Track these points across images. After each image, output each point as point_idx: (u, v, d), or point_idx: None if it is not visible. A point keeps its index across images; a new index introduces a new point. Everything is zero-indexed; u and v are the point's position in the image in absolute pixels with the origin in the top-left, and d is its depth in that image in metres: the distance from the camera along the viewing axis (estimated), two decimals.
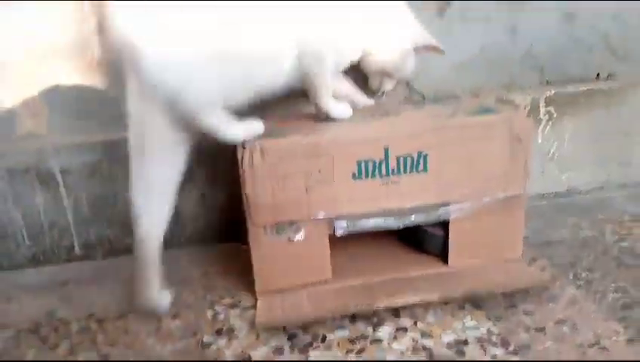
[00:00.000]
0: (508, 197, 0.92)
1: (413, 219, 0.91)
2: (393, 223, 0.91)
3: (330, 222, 0.89)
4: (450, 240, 0.94)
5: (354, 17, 0.94)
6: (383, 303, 0.85)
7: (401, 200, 0.89)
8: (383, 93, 1.06)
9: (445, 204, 0.91)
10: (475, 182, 0.91)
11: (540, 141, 1.27)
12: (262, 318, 0.84)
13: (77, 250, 1.18)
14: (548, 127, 1.27)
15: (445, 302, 0.86)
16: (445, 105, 1.03)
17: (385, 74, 1.02)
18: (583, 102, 1.26)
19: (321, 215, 0.88)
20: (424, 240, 1.00)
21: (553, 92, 1.24)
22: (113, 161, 1.13)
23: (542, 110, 1.25)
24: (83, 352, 0.82)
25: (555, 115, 1.26)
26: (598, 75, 1.29)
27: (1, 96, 1.11)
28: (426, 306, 0.86)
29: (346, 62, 0.98)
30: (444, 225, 0.94)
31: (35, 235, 1.15)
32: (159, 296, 0.89)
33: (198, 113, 0.81)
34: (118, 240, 1.16)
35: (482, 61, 1.23)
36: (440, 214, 0.92)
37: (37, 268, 1.15)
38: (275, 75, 0.88)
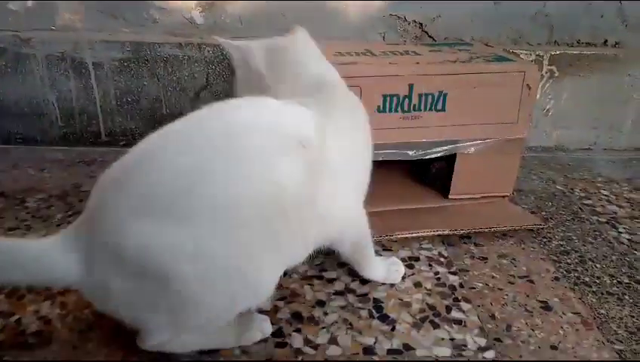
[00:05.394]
0: (511, 140, 1.02)
1: (428, 153, 1.00)
2: (409, 155, 1.00)
3: None
4: (454, 174, 1.04)
5: None
6: (401, 234, 0.95)
7: (419, 135, 0.99)
8: None
9: (457, 141, 1.00)
10: (487, 123, 1.00)
11: (537, 97, 1.35)
12: None
13: (103, 136, 1.33)
14: (548, 84, 1.34)
15: None
16: (460, 50, 1.10)
17: None
18: (586, 66, 1.32)
19: None
20: (428, 173, 1.11)
21: (558, 52, 1.30)
22: (141, 61, 1.25)
23: (544, 67, 1.31)
24: None
25: (556, 74, 1.32)
26: (605, 41, 1.33)
27: None
28: None
29: None
30: (448, 161, 1.04)
31: (66, 118, 1.30)
32: None
33: None
34: (139, 132, 1.29)
35: (495, 14, 1.28)
36: (450, 150, 1.01)
37: (67, 147, 1.32)
38: None
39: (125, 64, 1.25)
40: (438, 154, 1.01)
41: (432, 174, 1.11)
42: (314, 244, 0.72)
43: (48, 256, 0.59)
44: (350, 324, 0.75)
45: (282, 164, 0.63)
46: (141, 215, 0.57)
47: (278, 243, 0.64)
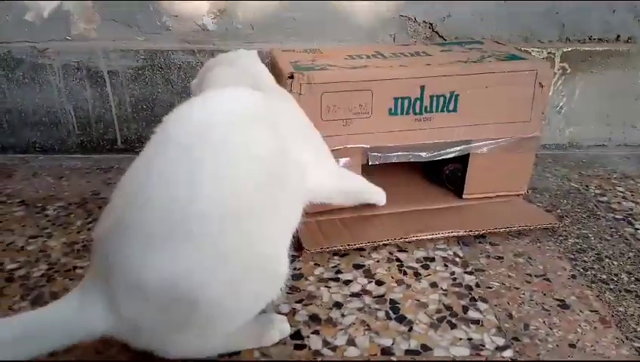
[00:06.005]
0: (525, 138, 1.02)
1: (440, 154, 1.01)
2: (422, 157, 1.00)
3: (365, 152, 0.98)
4: (467, 174, 1.04)
5: None
6: (416, 236, 0.95)
7: (431, 137, 0.99)
8: None
9: (470, 142, 1.01)
10: (499, 122, 1.00)
11: (550, 94, 1.34)
12: (310, 246, 0.91)
13: (119, 143, 1.35)
14: (560, 81, 1.33)
15: None
16: (471, 49, 1.10)
17: None
18: (599, 62, 1.31)
19: (357, 145, 0.96)
20: (442, 174, 1.11)
21: (570, 49, 1.30)
22: (155, 68, 1.27)
23: (556, 65, 1.31)
24: None
25: (568, 71, 1.32)
26: (618, 36, 1.32)
27: None
28: None
29: None
30: (462, 161, 1.04)
31: (83, 126, 1.33)
32: None
33: None
34: None
35: (505, 12, 1.28)
36: (463, 150, 1.01)
37: (84, 155, 1.34)
38: None
39: (140, 72, 1.27)
40: (452, 155, 1.01)
41: (445, 176, 1.11)
42: (305, 201, 0.77)
43: (75, 316, 0.60)
44: (368, 325, 0.76)
45: (250, 133, 0.65)
46: (149, 250, 0.57)
47: (284, 213, 0.69)
